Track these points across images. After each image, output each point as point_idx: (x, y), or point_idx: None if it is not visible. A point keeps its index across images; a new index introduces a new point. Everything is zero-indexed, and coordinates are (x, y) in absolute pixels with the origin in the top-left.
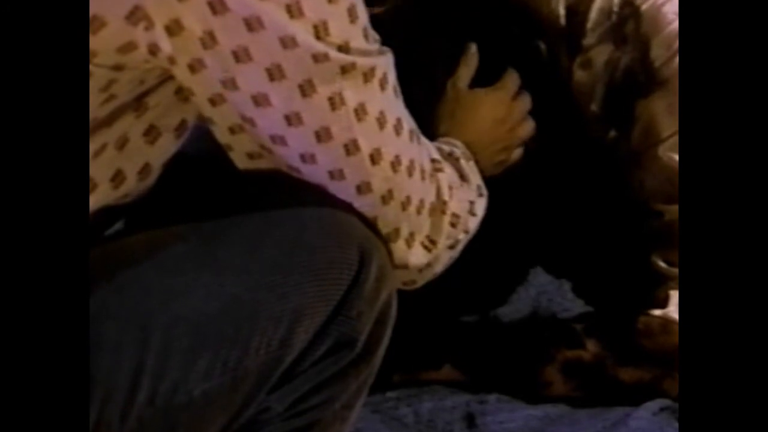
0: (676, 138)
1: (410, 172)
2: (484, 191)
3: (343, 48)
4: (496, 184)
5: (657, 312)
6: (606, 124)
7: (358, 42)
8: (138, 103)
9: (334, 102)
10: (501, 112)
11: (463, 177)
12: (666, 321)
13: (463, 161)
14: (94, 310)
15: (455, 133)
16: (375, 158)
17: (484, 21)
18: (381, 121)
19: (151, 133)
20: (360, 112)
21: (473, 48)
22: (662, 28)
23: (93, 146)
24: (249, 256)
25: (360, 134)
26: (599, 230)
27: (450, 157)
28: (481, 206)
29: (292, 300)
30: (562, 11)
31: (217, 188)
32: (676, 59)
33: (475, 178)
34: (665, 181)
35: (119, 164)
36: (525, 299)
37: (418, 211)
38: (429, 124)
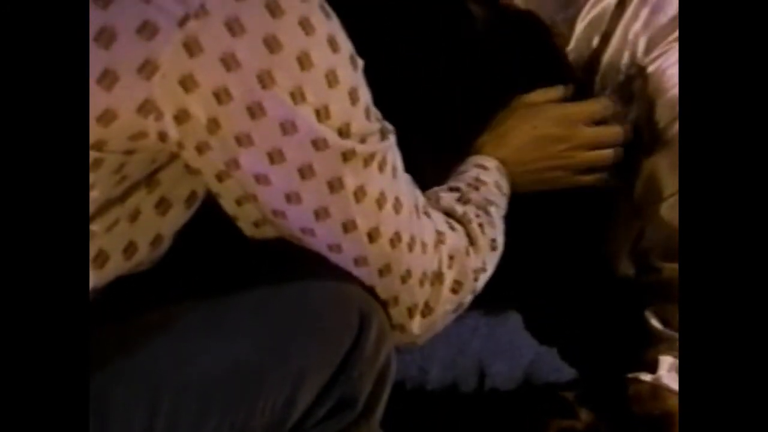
0: (677, 197)
1: (410, 247)
2: (499, 243)
3: (344, 130)
4: None
5: (647, 377)
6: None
7: (358, 123)
8: (150, 180)
9: (333, 185)
10: (560, 130)
11: (472, 240)
12: (656, 387)
13: (475, 224)
14: (106, 376)
15: (491, 146)
16: (373, 236)
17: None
18: (380, 202)
19: (162, 205)
20: (359, 194)
21: (564, 89)
22: (666, 90)
23: (106, 222)
24: (255, 321)
25: (358, 214)
26: (588, 285)
27: (463, 219)
28: (492, 261)
29: (296, 362)
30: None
31: (224, 255)
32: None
33: (491, 231)
34: (666, 238)
35: (131, 236)
36: (518, 365)
37: (421, 283)
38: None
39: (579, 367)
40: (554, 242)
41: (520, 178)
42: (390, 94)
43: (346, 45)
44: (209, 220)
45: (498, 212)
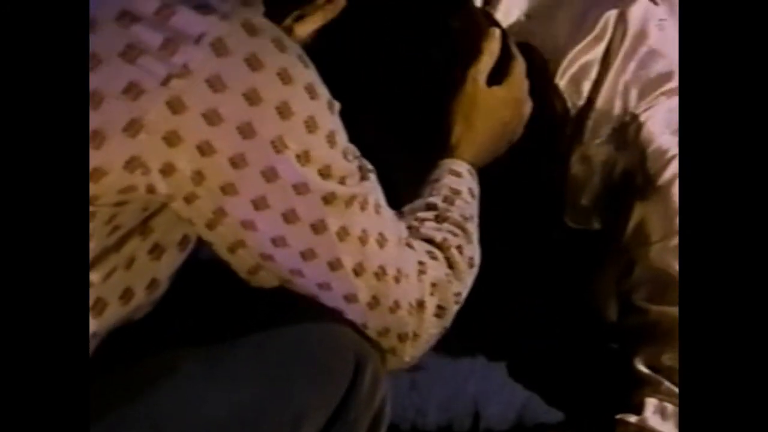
0: (666, 242)
1: (397, 279)
2: (476, 260)
3: (324, 172)
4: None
5: (633, 418)
6: (589, 222)
7: (338, 165)
8: (143, 227)
9: (317, 227)
10: (512, 109)
11: (451, 265)
12: (642, 428)
13: (454, 248)
14: (109, 422)
15: (468, 140)
16: (358, 271)
17: None
18: (363, 239)
19: (156, 250)
20: (342, 233)
21: (497, 33)
22: (657, 137)
23: (103, 271)
24: (254, 366)
25: (343, 253)
26: (576, 328)
27: (443, 245)
28: (471, 278)
29: (294, 406)
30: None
31: (222, 298)
32: (670, 168)
33: (468, 250)
34: (653, 280)
35: (128, 282)
36: (511, 407)
37: (409, 313)
38: (443, 119)
39: (569, 409)
40: (542, 288)
41: (486, 159)
42: (372, 99)
43: (323, 91)
44: (205, 262)
45: (473, 225)
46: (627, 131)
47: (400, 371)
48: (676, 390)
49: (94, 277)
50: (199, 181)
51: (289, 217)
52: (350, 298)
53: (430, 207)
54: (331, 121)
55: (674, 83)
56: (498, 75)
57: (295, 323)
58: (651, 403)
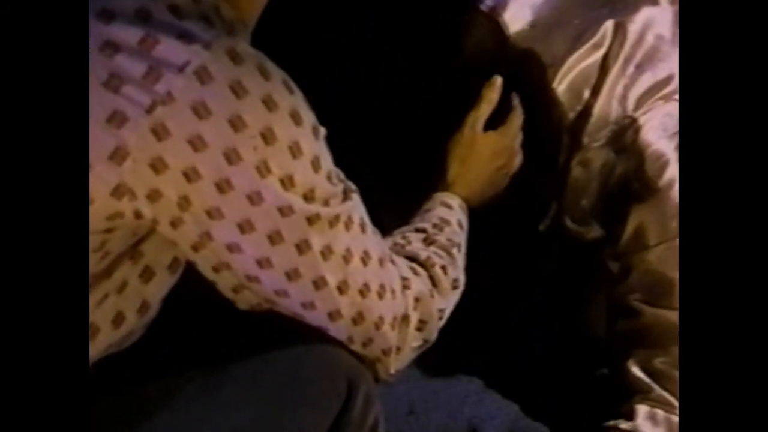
0: (663, 246)
1: (380, 295)
2: (461, 282)
3: (308, 196)
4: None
5: (625, 425)
6: (588, 223)
7: (321, 188)
8: (133, 251)
9: (301, 248)
10: (505, 158)
11: (435, 283)
12: None
13: (438, 267)
14: None
15: (463, 180)
16: (342, 289)
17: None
18: (347, 257)
19: (146, 273)
20: (326, 252)
21: (498, 82)
22: (654, 142)
23: (95, 297)
24: (250, 391)
25: (327, 271)
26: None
27: (427, 263)
28: (454, 299)
29: (289, 429)
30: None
31: (215, 323)
32: (666, 172)
33: (453, 272)
34: (649, 283)
35: (119, 307)
36: (506, 427)
37: (392, 327)
38: (440, 158)
39: (560, 422)
40: (534, 309)
41: (477, 203)
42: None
43: (308, 117)
44: (196, 285)
45: (460, 252)
46: (625, 135)
47: (398, 400)
48: (667, 396)
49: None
50: (185, 207)
51: (274, 238)
52: (334, 316)
53: (419, 231)
54: (315, 146)
55: (672, 87)
56: (495, 120)
57: (289, 348)
58: (642, 410)
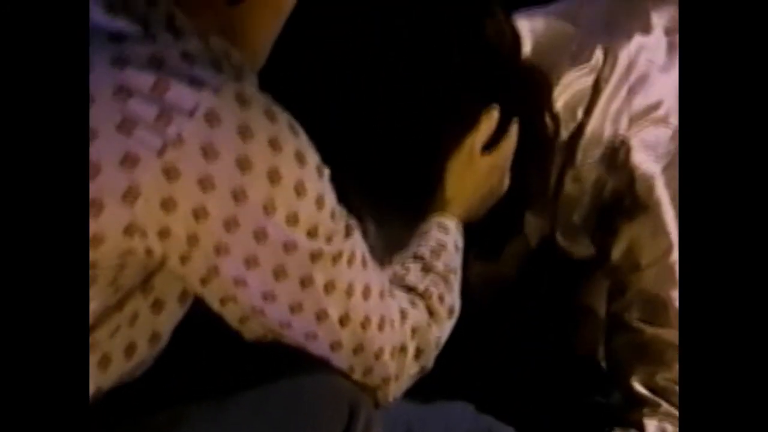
0: (656, 266)
1: (380, 327)
2: (456, 309)
3: (312, 233)
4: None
5: None
6: (578, 239)
7: (325, 226)
8: (144, 285)
9: (305, 282)
10: (498, 177)
11: (431, 312)
12: None
13: (435, 297)
14: None
15: (460, 199)
16: (344, 322)
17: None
18: (349, 292)
19: (157, 305)
20: (329, 287)
21: (495, 113)
22: (643, 162)
23: (108, 329)
24: (255, 418)
25: (329, 305)
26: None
27: (425, 294)
28: (450, 326)
29: None
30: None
31: (221, 352)
32: (654, 192)
33: (449, 299)
34: (646, 302)
35: (131, 338)
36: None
37: (392, 357)
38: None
39: None
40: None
41: (470, 219)
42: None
43: (312, 157)
44: (204, 316)
45: (456, 277)
46: (617, 154)
47: (395, 422)
48: (674, 411)
49: (100, 335)
50: (194, 243)
51: (279, 273)
52: (336, 347)
53: (418, 257)
54: (319, 185)
55: (662, 112)
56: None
57: (294, 375)
58: (651, 424)
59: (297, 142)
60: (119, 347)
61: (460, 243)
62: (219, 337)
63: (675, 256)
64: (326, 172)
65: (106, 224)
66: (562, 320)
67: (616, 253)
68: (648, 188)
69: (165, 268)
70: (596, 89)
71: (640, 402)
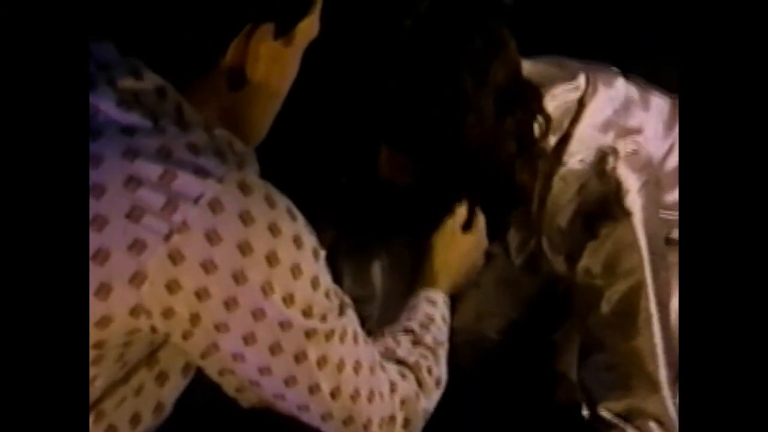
0: (632, 277)
1: (370, 399)
2: (443, 380)
3: (307, 312)
4: None
5: None
6: (559, 251)
7: (319, 305)
8: (149, 359)
9: (299, 358)
10: (477, 252)
11: (420, 384)
12: None
13: (424, 369)
14: None
15: (446, 273)
16: (335, 395)
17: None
18: (340, 367)
19: (161, 377)
20: (321, 362)
21: (464, 209)
22: (628, 176)
23: (114, 400)
24: None
25: (321, 379)
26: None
27: (415, 367)
28: (437, 396)
29: None
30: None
31: (221, 422)
32: (634, 206)
33: (437, 371)
34: (618, 315)
35: (136, 408)
36: None
37: (380, 427)
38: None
39: None
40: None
41: (454, 290)
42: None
43: (309, 240)
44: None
45: (443, 350)
46: (606, 160)
47: None
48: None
49: (106, 406)
50: (196, 322)
51: (275, 349)
52: (326, 418)
53: (407, 331)
54: (314, 267)
55: (641, 138)
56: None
57: None
58: None
59: (295, 226)
60: (125, 417)
61: (447, 316)
62: (217, 405)
63: (646, 272)
64: (322, 254)
65: (114, 306)
66: (541, 383)
67: (596, 256)
68: (631, 201)
69: (168, 343)
70: (582, 104)
71: (607, 426)
